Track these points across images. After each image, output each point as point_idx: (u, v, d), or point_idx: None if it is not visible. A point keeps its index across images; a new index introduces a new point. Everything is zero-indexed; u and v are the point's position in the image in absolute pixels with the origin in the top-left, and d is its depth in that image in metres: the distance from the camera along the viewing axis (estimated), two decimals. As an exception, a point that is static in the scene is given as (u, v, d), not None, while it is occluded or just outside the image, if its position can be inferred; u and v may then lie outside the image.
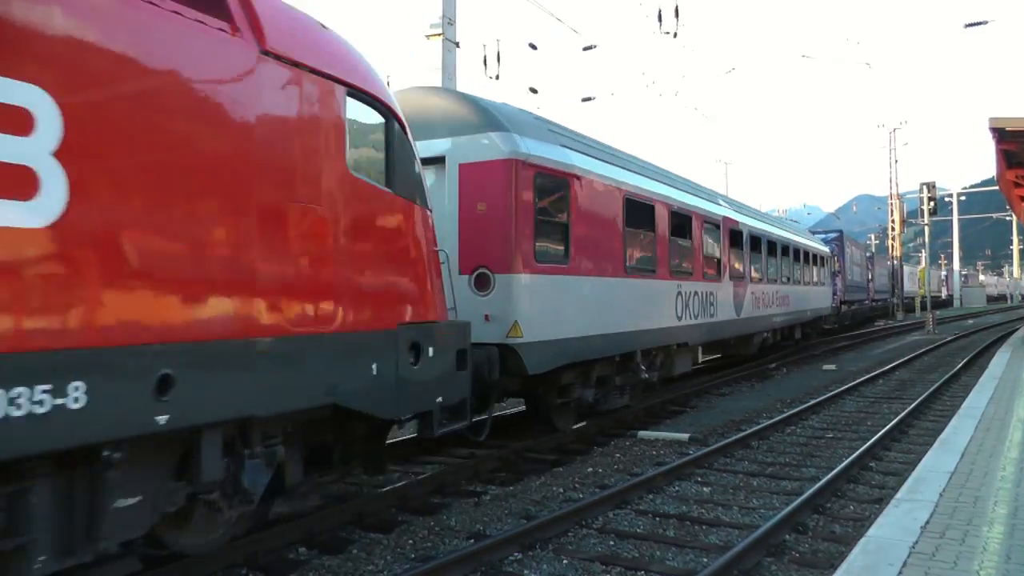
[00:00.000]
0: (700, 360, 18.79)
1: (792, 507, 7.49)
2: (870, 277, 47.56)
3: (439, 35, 15.03)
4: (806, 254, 25.92)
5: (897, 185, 55.40)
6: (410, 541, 7.07)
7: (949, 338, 33.86)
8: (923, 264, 70.89)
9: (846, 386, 17.02)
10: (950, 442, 8.79)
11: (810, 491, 8.07)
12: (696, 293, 14.66)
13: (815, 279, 27.38)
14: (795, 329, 25.67)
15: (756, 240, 19.49)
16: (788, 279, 23.14)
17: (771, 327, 21.53)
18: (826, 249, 30.85)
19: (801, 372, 21.16)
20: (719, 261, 16.35)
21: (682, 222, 14.35)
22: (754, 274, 19.12)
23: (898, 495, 6.63)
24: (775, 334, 22.90)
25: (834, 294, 32.60)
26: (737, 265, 17.75)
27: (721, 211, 16.94)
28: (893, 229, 55.31)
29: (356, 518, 7.58)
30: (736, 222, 17.81)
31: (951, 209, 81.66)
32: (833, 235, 38.75)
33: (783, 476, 9.50)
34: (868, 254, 50.24)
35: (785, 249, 22.88)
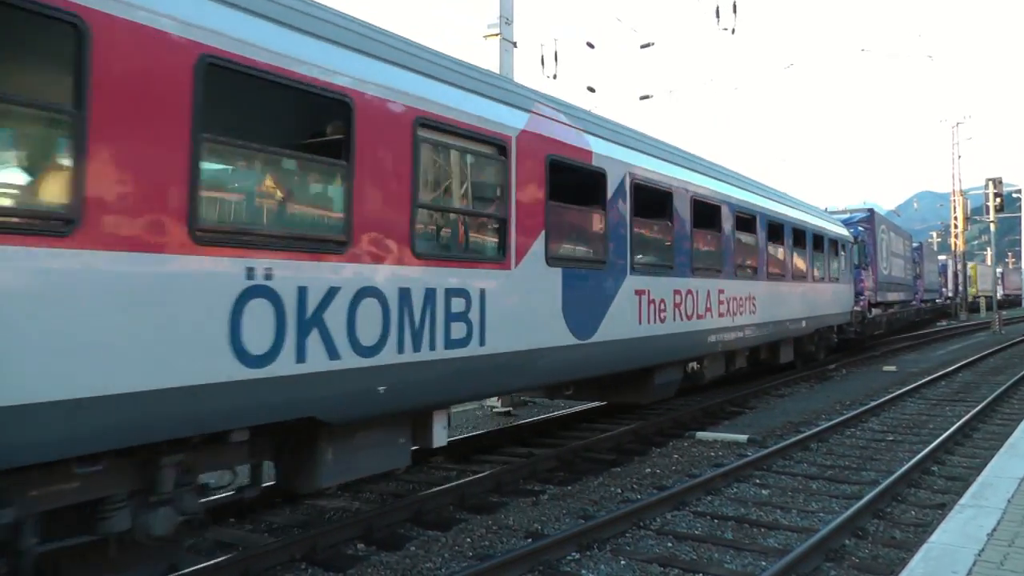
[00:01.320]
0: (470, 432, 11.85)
1: (851, 511, 7.40)
2: (917, 273, 38.72)
3: (496, 35, 15.07)
4: (800, 233, 17.36)
5: (960, 181, 54.18)
6: (468, 539, 7.16)
7: (1017, 339, 32.86)
8: (988, 262, 68.93)
9: (907, 388, 16.65)
10: (1019, 446, 8.56)
11: (870, 495, 7.96)
12: (428, 293, 6.77)
13: (820, 273, 19.30)
14: (779, 348, 17.16)
15: (664, 199, 11.22)
16: (756, 271, 14.75)
17: (706, 352, 12.70)
18: (845, 232, 22.84)
19: (861, 373, 20.79)
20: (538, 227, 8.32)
21: (418, 140, 6.67)
22: (653, 259, 11.00)
23: (962, 500, 6.51)
24: (729, 359, 14.18)
25: (859, 294, 24.98)
26: (612, 242, 9.76)
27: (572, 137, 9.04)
28: (956, 226, 53.96)
29: (414, 515, 7.72)
30: (626, 166, 10.03)
31: (1020, 205, 79.11)
32: (860, 216, 29.33)
33: (842, 479, 9.37)
34: (915, 244, 39.90)
35: (749, 223, 14.46)
